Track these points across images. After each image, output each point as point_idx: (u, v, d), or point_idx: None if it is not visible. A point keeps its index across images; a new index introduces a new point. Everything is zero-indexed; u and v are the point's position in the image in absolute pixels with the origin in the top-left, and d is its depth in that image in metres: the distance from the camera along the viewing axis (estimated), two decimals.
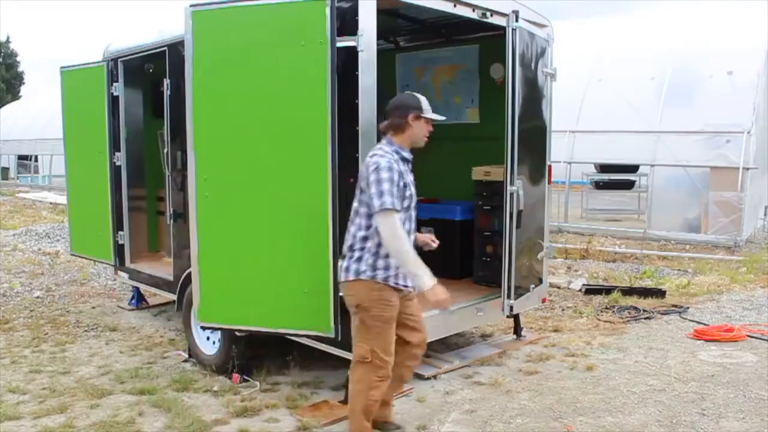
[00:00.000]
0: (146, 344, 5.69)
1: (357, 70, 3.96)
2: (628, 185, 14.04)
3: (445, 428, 4.03)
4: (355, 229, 3.53)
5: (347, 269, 3.53)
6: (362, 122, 4.01)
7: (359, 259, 3.49)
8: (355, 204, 3.56)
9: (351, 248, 3.53)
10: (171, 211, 5.56)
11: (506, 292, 5.04)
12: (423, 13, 5.68)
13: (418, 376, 4.81)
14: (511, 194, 4.91)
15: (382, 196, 3.34)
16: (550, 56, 5.55)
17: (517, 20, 4.82)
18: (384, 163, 3.40)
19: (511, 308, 5.10)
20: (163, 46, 5.46)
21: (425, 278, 3.36)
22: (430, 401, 4.42)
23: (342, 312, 3.99)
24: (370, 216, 3.44)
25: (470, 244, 5.93)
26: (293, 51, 3.96)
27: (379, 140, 3.69)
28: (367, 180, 3.41)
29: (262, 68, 4.09)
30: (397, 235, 3.36)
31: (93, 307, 7.01)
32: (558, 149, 9.59)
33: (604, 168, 13.70)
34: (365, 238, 3.48)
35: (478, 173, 5.86)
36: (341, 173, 3.93)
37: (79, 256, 7.32)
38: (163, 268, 5.98)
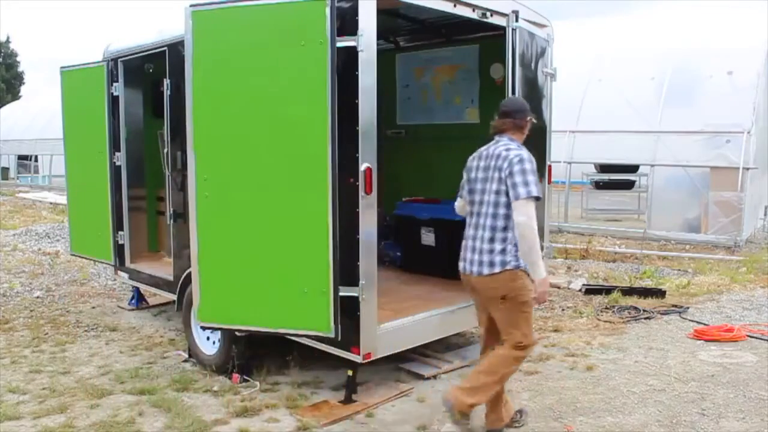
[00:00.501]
0: (146, 344, 5.69)
1: (357, 70, 3.96)
2: (628, 185, 14.04)
3: (445, 428, 4.03)
4: (492, 221, 3.62)
5: (492, 263, 3.60)
6: (362, 122, 4.01)
7: (503, 251, 3.59)
8: (486, 197, 3.66)
9: (491, 240, 3.61)
10: (171, 211, 5.55)
11: None
12: (423, 13, 5.68)
13: (418, 376, 4.81)
14: None
15: (528, 185, 3.50)
16: (550, 56, 5.55)
17: (517, 20, 4.82)
18: (526, 155, 3.60)
19: None
20: (163, 46, 5.46)
21: (543, 268, 3.53)
22: (431, 401, 4.42)
23: (342, 312, 3.99)
24: (509, 205, 3.56)
25: None
26: (293, 51, 3.96)
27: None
28: (509, 170, 3.54)
29: (262, 68, 4.09)
30: (534, 224, 3.50)
31: (93, 307, 7.01)
32: (558, 149, 9.57)
33: (604, 168, 13.71)
34: (506, 228, 3.59)
35: None
36: (341, 173, 3.94)
37: (79, 256, 7.31)
38: (163, 268, 5.98)
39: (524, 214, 3.49)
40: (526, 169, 3.54)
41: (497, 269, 3.58)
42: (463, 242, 3.81)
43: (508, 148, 3.66)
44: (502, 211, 3.60)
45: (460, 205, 3.96)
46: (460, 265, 3.78)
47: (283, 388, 4.60)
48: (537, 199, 3.52)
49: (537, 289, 3.54)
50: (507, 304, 3.63)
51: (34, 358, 5.34)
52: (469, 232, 3.77)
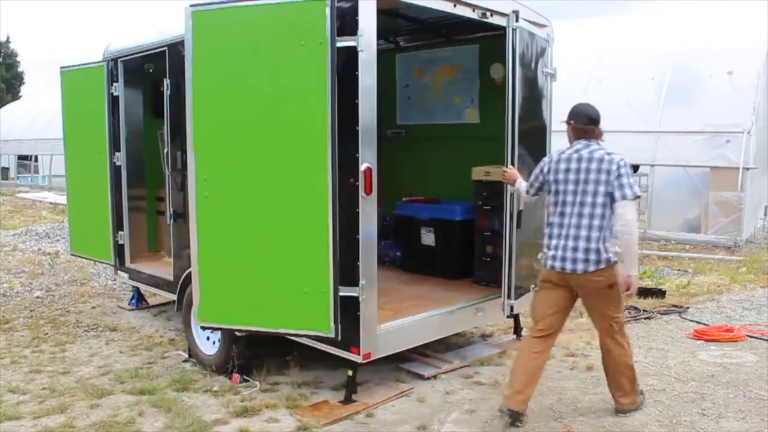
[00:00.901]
0: (146, 344, 5.69)
1: (357, 70, 3.96)
2: None
3: (446, 428, 4.03)
4: (600, 221, 3.85)
5: (598, 260, 3.83)
6: (362, 122, 4.01)
7: (608, 249, 3.84)
8: (590, 198, 3.87)
9: (599, 240, 3.84)
10: (171, 211, 5.56)
11: (506, 292, 5.04)
12: (423, 13, 5.68)
13: (418, 376, 4.82)
14: (512, 194, 4.91)
15: (633, 187, 3.82)
16: (550, 56, 5.55)
17: (517, 20, 4.82)
18: (625, 159, 3.88)
19: (512, 308, 5.10)
20: (163, 46, 5.46)
21: (636, 265, 3.87)
22: (431, 401, 4.42)
23: (342, 312, 3.99)
24: (605, 205, 3.84)
25: (470, 244, 5.93)
26: (293, 51, 3.95)
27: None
28: (618, 173, 3.81)
29: (262, 68, 4.09)
30: (636, 220, 3.87)
31: (93, 307, 7.02)
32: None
33: None
34: (608, 227, 3.85)
35: (478, 173, 5.86)
36: (341, 173, 3.93)
37: (79, 256, 7.32)
38: (163, 268, 5.98)
39: (632, 212, 3.80)
40: (629, 172, 3.85)
41: (603, 265, 3.83)
42: (556, 242, 3.96)
43: (608, 152, 3.90)
44: (608, 211, 3.83)
45: (524, 188, 4.34)
46: (557, 264, 3.93)
47: (283, 388, 4.60)
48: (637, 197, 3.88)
49: (632, 284, 3.81)
50: (612, 290, 3.89)
51: (34, 358, 5.34)
52: (566, 231, 3.92)
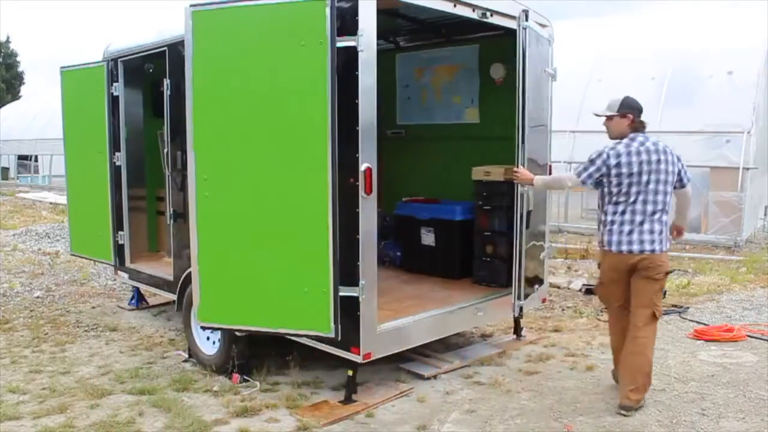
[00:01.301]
0: (146, 344, 5.69)
1: (357, 70, 3.96)
2: None
3: (446, 428, 4.03)
4: (667, 207, 4.26)
5: (662, 240, 4.21)
6: (362, 122, 4.01)
7: (665, 231, 4.24)
8: (661, 186, 4.22)
9: (665, 223, 4.25)
10: (171, 211, 5.56)
11: (516, 292, 5.04)
12: (423, 13, 5.69)
13: (418, 376, 4.82)
14: (521, 195, 4.91)
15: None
16: (550, 56, 5.56)
17: (527, 20, 4.82)
18: None
19: (521, 309, 5.11)
20: (163, 46, 5.46)
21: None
22: (431, 401, 4.42)
23: (342, 312, 3.99)
24: (670, 193, 4.26)
25: (470, 244, 5.94)
26: (293, 51, 3.95)
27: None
28: (681, 162, 4.32)
29: (262, 68, 4.09)
30: None
31: (93, 307, 7.01)
32: (558, 149, 9.56)
33: None
34: (668, 212, 4.28)
35: (478, 173, 5.86)
36: (341, 173, 3.93)
37: (79, 256, 7.32)
38: (163, 268, 5.98)
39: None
40: None
41: (669, 245, 4.28)
42: (629, 227, 4.22)
43: (664, 144, 4.28)
44: (669, 199, 4.26)
45: (575, 181, 4.54)
46: (635, 248, 4.19)
47: (283, 388, 4.60)
48: None
49: (684, 230, 4.63)
50: (665, 278, 4.30)
51: (34, 358, 5.34)
52: (641, 218, 4.20)
